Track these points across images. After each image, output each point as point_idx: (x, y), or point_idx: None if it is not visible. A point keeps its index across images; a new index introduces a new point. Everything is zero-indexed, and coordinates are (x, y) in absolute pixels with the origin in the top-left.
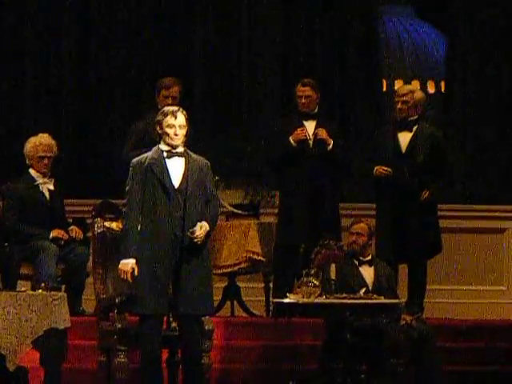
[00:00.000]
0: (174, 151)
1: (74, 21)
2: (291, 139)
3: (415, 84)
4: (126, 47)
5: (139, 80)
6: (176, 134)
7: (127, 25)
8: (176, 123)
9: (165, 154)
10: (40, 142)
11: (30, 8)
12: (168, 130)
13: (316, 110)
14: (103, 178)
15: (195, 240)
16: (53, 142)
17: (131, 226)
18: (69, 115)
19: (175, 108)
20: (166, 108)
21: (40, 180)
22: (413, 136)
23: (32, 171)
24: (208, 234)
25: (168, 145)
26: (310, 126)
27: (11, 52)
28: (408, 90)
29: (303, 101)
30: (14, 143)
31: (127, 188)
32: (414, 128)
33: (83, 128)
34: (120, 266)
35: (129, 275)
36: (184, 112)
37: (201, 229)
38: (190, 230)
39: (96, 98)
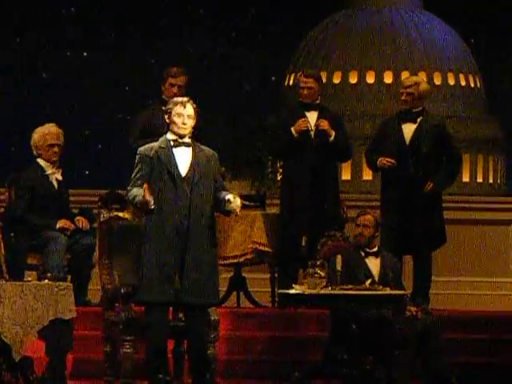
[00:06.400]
0: (180, 141)
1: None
2: (293, 130)
3: (422, 75)
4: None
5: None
6: (184, 123)
7: None
8: (185, 113)
9: (172, 143)
10: (49, 131)
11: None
12: (176, 119)
13: (318, 101)
14: (109, 167)
15: (231, 208)
16: (60, 130)
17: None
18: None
19: (185, 98)
20: (176, 98)
21: (49, 170)
22: (417, 127)
23: (41, 161)
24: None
25: (175, 134)
26: (311, 116)
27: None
28: (413, 81)
29: (305, 92)
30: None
31: (133, 175)
32: (419, 119)
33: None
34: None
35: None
36: (194, 104)
37: (237, 201)
38: (227, 198)
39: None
